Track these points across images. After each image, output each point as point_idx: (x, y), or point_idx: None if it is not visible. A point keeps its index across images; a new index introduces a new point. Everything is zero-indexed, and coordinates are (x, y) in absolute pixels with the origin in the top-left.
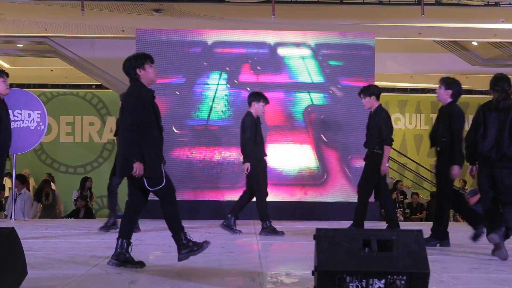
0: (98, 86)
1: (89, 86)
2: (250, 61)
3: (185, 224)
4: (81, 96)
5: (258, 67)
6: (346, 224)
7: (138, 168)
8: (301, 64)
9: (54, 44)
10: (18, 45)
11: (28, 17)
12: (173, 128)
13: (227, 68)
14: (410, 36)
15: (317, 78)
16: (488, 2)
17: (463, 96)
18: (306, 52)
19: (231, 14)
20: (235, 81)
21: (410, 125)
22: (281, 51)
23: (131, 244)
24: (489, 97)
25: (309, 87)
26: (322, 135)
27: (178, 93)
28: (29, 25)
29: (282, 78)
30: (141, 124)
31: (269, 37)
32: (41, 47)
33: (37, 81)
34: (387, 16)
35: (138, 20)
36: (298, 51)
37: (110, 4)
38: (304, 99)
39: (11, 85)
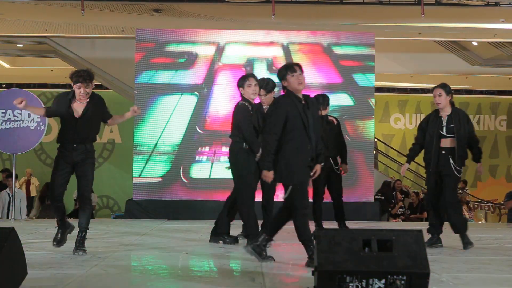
0: (98, 86)
1: None
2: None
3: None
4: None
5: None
6: (346, 224)
7: (266, 176)
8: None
9: (54, 44)
10: (18, 45)
11: (28, 17)
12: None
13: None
14: (410, 36)
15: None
16: (488, 2)
17: (463, 96)
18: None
19: (231, 14)
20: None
21: (410, 125)
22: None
23: (270, 242)
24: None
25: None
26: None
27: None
28: (29, 25)
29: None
30: (276, 131)
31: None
32: (41, 47)
33: (37, 81)
34: (387, 16)
35: (138, 20)
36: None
37: (110, 4)
38: None
39: (11, 85)
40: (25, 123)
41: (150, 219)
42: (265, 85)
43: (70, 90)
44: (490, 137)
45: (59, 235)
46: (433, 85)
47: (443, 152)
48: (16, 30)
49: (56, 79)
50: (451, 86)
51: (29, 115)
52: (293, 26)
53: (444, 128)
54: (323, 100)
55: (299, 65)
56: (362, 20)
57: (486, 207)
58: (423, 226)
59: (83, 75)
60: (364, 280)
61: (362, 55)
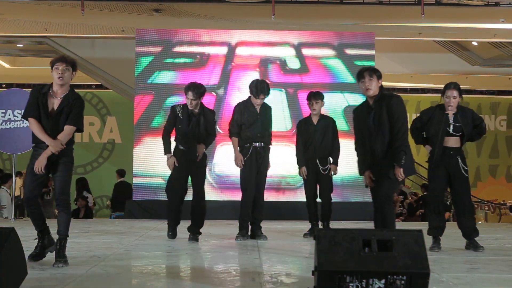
0: (98, 86)
1: (89, 86)
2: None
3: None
4: (81, 96)
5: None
6: (346, 224)
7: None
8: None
9: (54, 44)
10: (18, 45)
11: (28, 17)
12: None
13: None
14: (410, 36)
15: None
16: (488, 2)
17: (463, 96)
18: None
19: (231, 14)
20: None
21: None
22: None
23: None
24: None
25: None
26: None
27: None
28: (29, 25)
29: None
30: (356, 138)
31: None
32: (41, 47)
33: (37, 81)
34: (387, 16)
35: (138, 20)
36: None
37: (110, 4)
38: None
39: (11, 85)
40: (25, 123)
41: (150, 219)
42: (267, 89)
43: (46, 84)
44: (490, 137)
45: (37, 249)
46: (433, 85)
47: (451, 152)
48: (16, 30)
49: None
50: None
51: None
52: (293, 26)
53: (452, 126)
54: (310, 97)
55: (369, 71)
56: (362, 20)
57: (486, 207)
58: (423, 226)
59: (66, 57)
60: (364, 280)
61: (361, 55)
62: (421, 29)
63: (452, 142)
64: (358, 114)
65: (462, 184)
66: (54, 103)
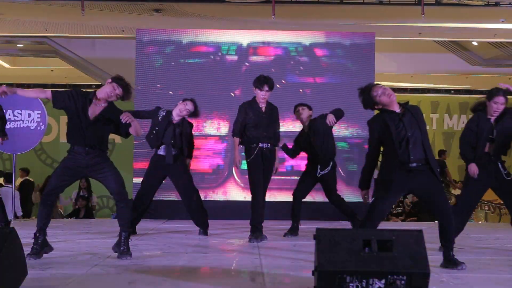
0: (98, 86)
1: (89, 86)
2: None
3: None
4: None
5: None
6: (346, 224)
7: None
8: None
9: (54, 44)
10: (18, 45)
11: (28, 17)
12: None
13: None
14: (410, 36)
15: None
16: (488, 2)
17: (463, 96)
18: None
19: (231, 14)
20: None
21: None
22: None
23: None
24: None
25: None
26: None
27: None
28: (29, 25)
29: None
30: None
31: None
32: (41, 47)
33: (37, 81)
34: (387, 16)
35: (138, 20)
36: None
37: (110, 4)
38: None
39: (11, 85)
40: (25, 123)
41: (150, 219)
42: (270, 82)
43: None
44: None
45: (38, 246)
46: (433, 85)
47: (492, 157)
48: (16, 30)
49: (56, 79)
50: (451, 86)
51: (29, 115)
52: (293, 26)
53: (495, 132)
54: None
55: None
56: (362, 20)
57: (486, 207)
58: (423, 226)
59: (124, 83)
60: (364, 280)
61: (361, 55)
62: (421, 29)
63: (492, 146)
64: (382, 125)
65: (510, 187)
66: (95, 110)
